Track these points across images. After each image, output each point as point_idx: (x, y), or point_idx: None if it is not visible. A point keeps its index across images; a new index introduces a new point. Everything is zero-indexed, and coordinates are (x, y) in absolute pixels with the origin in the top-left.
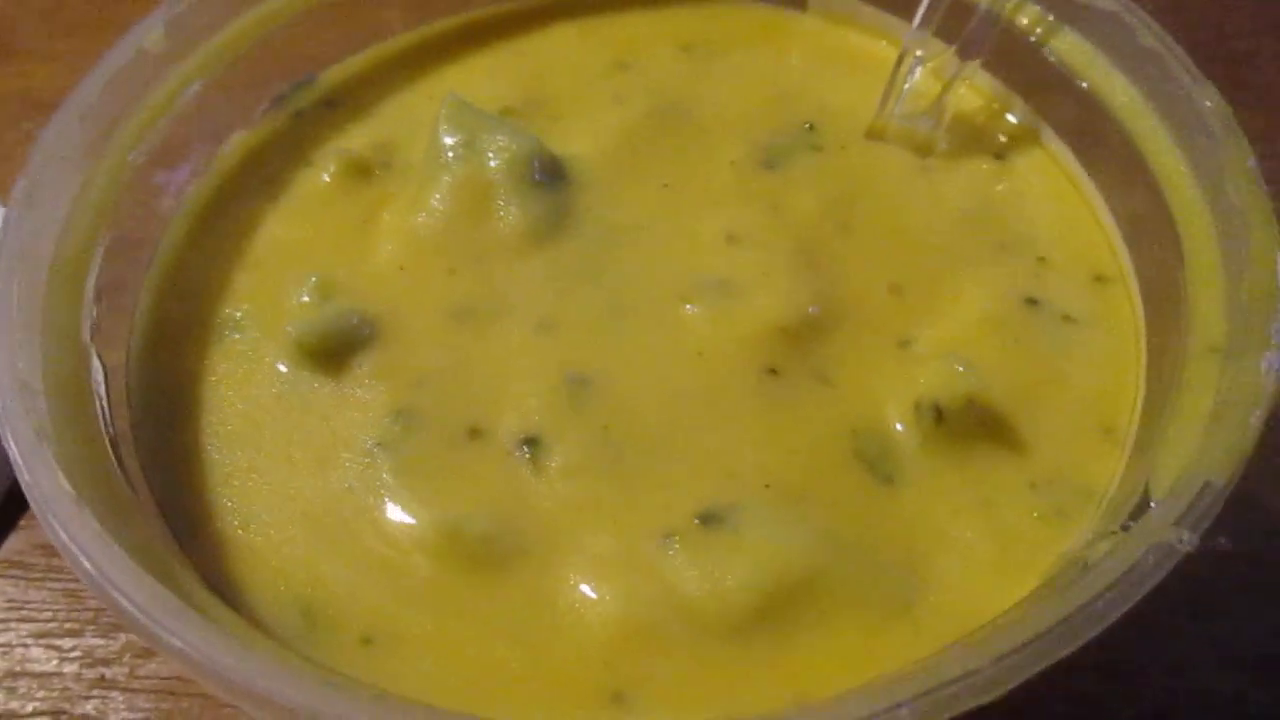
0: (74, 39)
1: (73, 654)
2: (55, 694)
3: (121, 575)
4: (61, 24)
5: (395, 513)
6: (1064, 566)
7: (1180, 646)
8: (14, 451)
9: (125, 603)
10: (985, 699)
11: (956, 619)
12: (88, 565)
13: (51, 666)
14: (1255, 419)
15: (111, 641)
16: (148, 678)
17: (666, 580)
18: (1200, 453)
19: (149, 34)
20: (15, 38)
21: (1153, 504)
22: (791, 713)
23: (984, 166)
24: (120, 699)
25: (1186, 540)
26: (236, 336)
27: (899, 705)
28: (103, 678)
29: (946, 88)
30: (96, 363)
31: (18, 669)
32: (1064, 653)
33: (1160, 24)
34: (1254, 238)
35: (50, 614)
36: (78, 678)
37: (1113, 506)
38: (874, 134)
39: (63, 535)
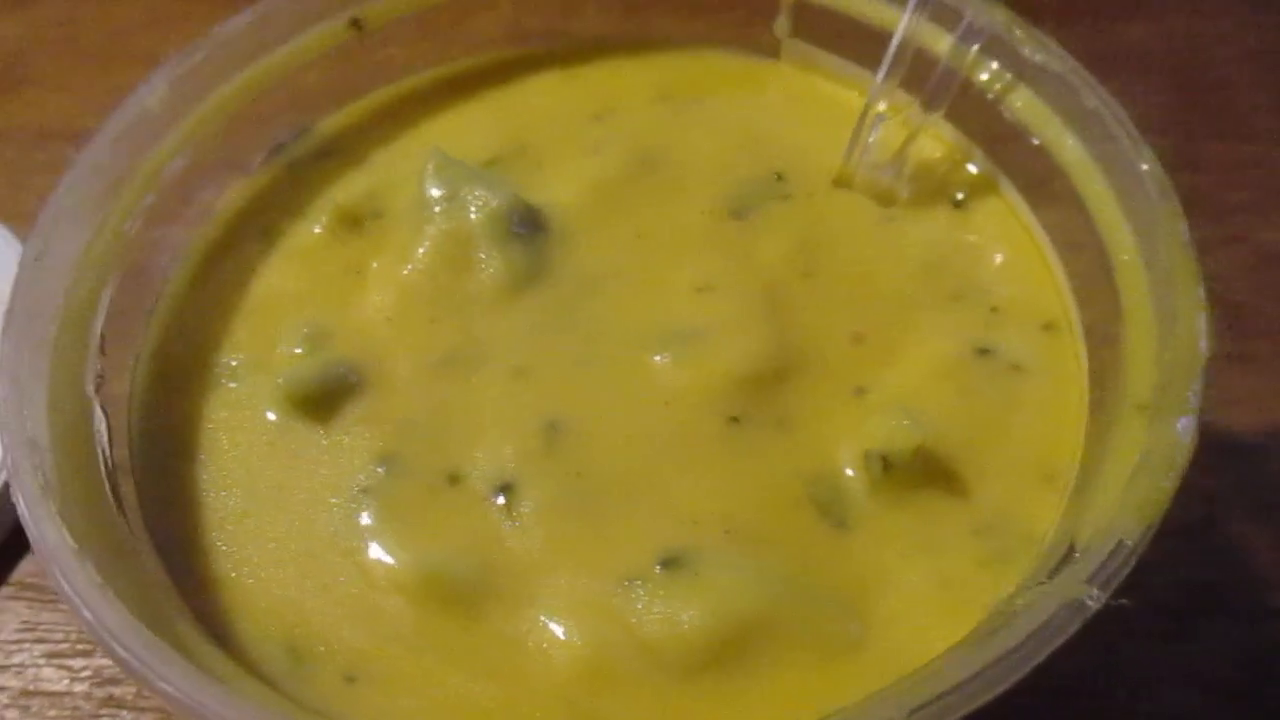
0: (86, 70)
1: (83, 674)
2: (66, 713)
3: (116, 624)
4: (74, 55)
5: (377, 555)
6: (992, 615)
7: (1145, 669)
8: (22, 508)
9: (120, 650)
10: None
11: (902, 659)
12: (87, 615)
13: (63, 686)
14: (1168, 481)
15: None
16: (153, 697)
17: (628, 622)
18: (1117, 511)
19: (152, 94)
20: (28, 69)
21: (1074, 558)
22: None
23: (944, 216)
24: (129, 717)
25: (1096, 597)
26: (233, 385)
27: None
28: (111, 697)
29: (910, 139)
30: (99, 412)
31: (31, 688)
32: (976, 705)
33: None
34: (1179, 300)
35: (62, 635)
36: (88, 696)
37: (1046, 555)
38: (841, 182)
39: (65, 586)
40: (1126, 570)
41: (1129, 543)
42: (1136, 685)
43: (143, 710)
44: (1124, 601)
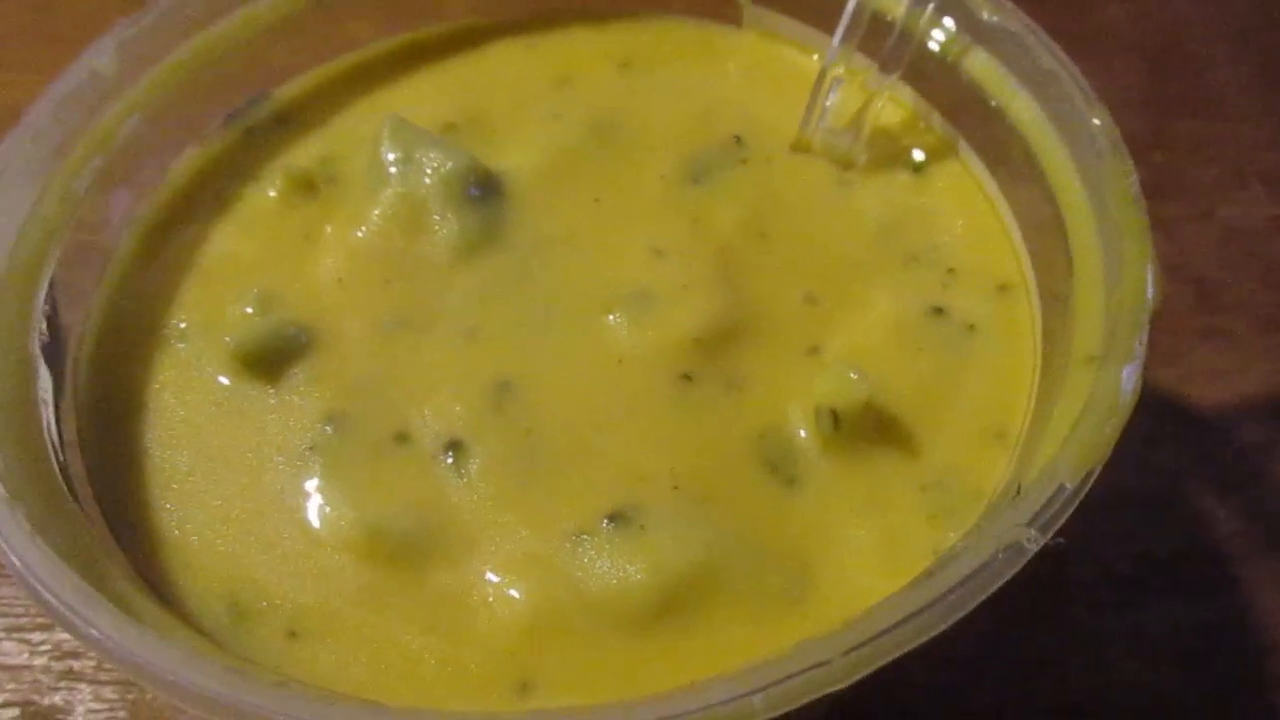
0: (56, 50)
1: (42, 647)
2: (25, 686)
3: (44, 569)
4: (44, 35)
5: (323, 513)
6: (936, 564)
7: (1099, 643)
8: None
9: (47, 595)
10: (836, 686)
11: (844, 612)
12: (15, 560)
13: (22, 659)
14: (1110, 427)
15: None
16: (113, 669)
17: (574, 577)
18: (1057, 457)
19: (100, 56)
20: (2, 51)
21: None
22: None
23: (902, 179)
24: (87, 690)
25: (1034, 538)
26: (181, 345)
27: (754, 692)
28: (71, 670)
29: (867, 102)
30: (44, 373)
31: None
32: (912, 645)
33: (1118, 30)
34: (1127, 251)
35: (22, 608)
36: (46, 670)
37: (991, 507)
38: (799, 147)
39: None
40: (1066, 514)
41: (1069, 486)
42: (1096, 655)
43: (103, 684)
44: (1061, 540)
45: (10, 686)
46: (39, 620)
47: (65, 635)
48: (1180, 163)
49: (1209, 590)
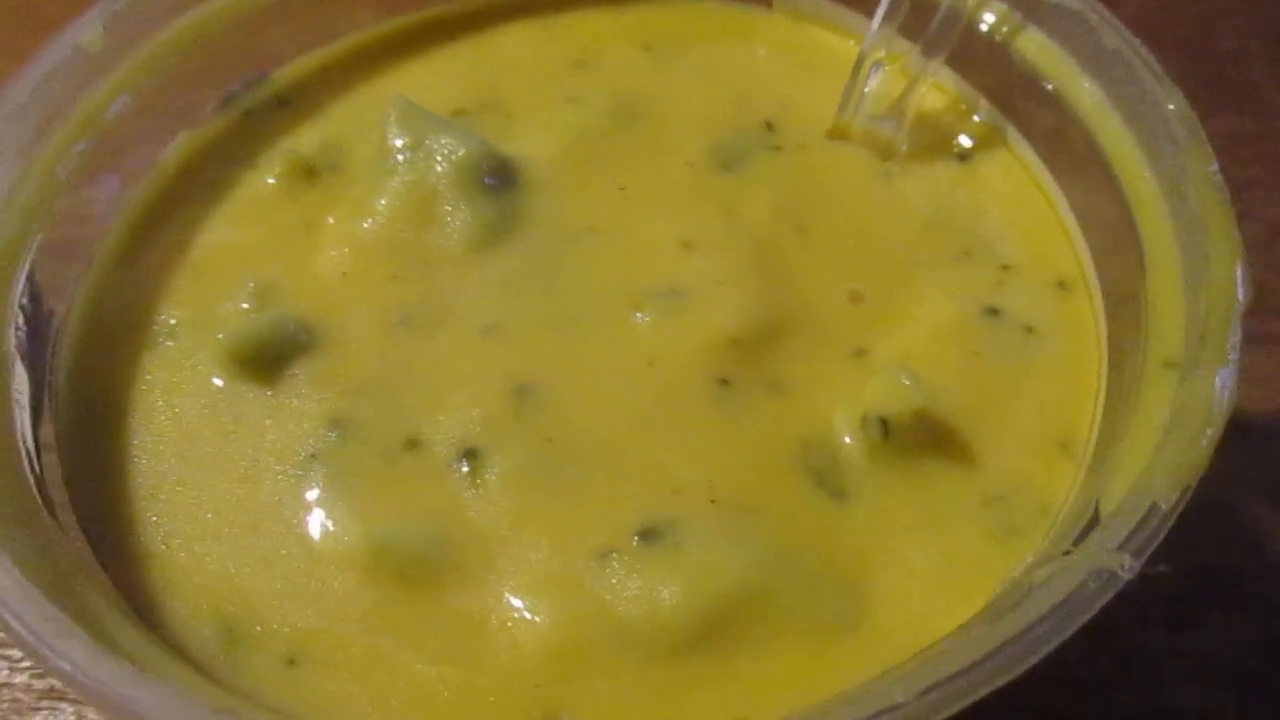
0: (46, 36)
1: (22, 664)
2: (5, 705)
3: (10, 590)
4: (34, 21)
5: (325, 527)
6: (1008, 589)
7: (1154, 661)
8: None
9: (13, 621)
10: None
11: (903, 641)
12: None
13: (2, 677)
14: (1206, 439)
15: None
16: None
17: (602, 599)
18: (1147, 473)
19: (85, 32)
20: None
21: (1098, 526)
22: None
23: (948, 169)
24: (70, 711)
25: (1129, 566)
26: (170, 343)
27: None
28: (52, 688)
29: (909, 87)
30: (20, 372)
31: None
32: (999, 682)
33: (1147, 24)
34: (1213, 248)
35: None
36: (28, 688)
37: (1064, 526)
38: (836, 134)
39: None
40: (1161, 536)
41: (1163, 506)
42: (1147, 675)
43: (84, 703)
44: (1162, 568)
45: None
46: None
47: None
48: (1220, 161)
49: (1267, 607)
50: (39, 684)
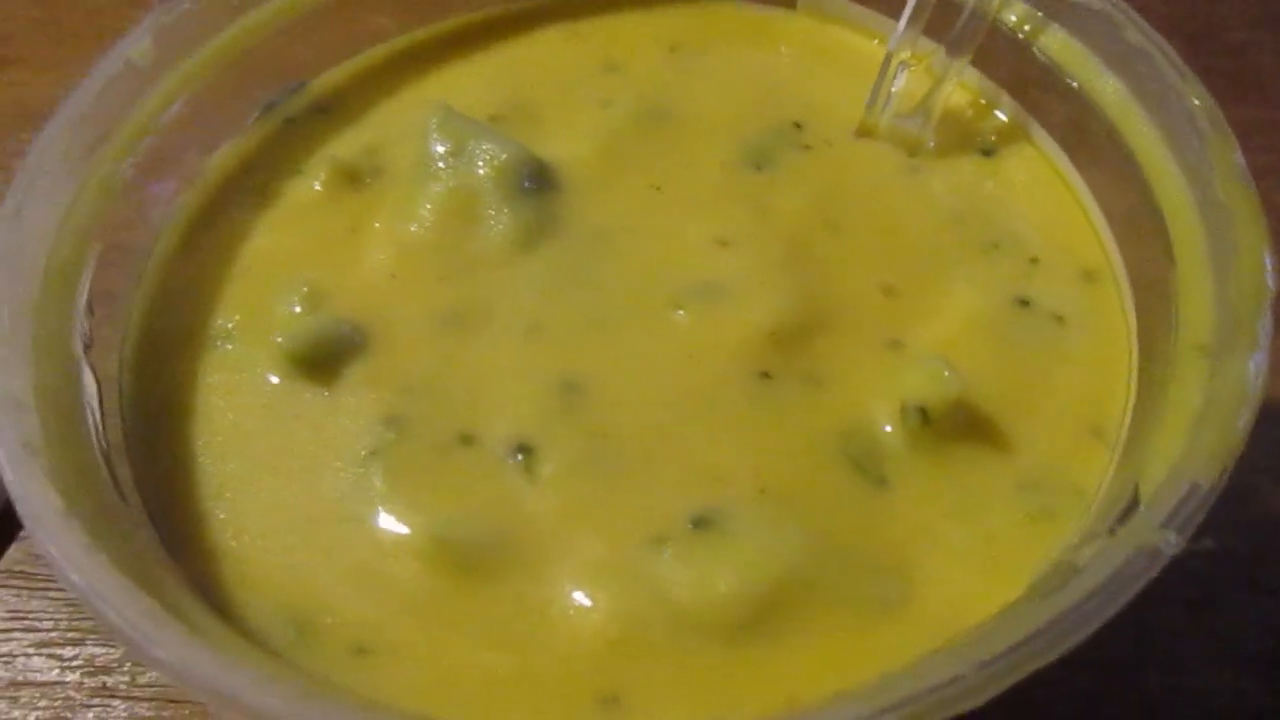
0: (68, 48)
1: (74, 663)
2: (58, 703)
3: (109, 588)
4: (56, 33)
5: (387, 521)
6: (1051, 569)
7: (1179, 643)
8: (4, 467)
9: (113, 615)
10: (971, 704)
11: (947, 620)
12: (76, 578)
13: (53, 675)
14: (1242, 421)
15: (112, 650)
16: (148, 685)
17: (658, 585)
18: (1187, 454)
19: (136, 45)
20: (10, 47)
21: (1140, 506)
22: (778, 717)
23: (974, 164)
24: (121, 707)
25: (1173, 543)
26: (228, 346)
27: (884, 711)
28: (104, 686)
29: (935, 85)
30: (89, 375)
31: (20, 678)
32: (1050, 658)
33: (1156, 15)
34: (1241, 236)
35: (51, 623)
36: (79, 686)
37: (1101, 508)
38: (863, 132)
39: (52, 549)
40: (1202, 514)
41: (1204, 485)
42: (1170, 657)
43: (137, 700)
44: (1208, 543)
45: (42, 704)
46: (70, 635)
47: (98, 650)
48: None
49: None
50: (90, 681)
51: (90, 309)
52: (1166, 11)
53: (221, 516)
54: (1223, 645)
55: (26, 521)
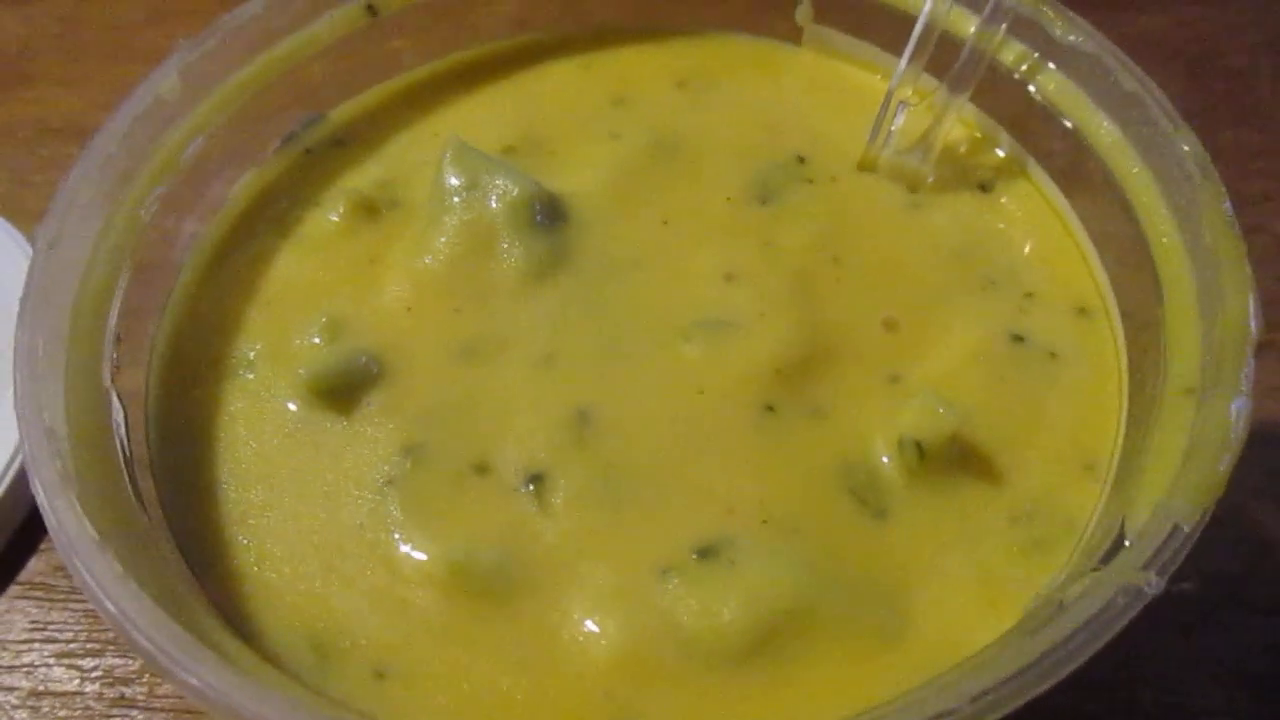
0: (88, 64)
1: (94, 674)
2: (77, 713)
3: (141, 615)
4: (75, 50)
5: (405, 548)
6: (1040, 604)
7: (1171, 663)
8: (40, 496)
9: (144, 642)
10: None
11: (944, 650)
12: (110, 606)
13: (73, 686)
14: (1224, 464)
15: (131, 661)
16: (166, 696)
17: (665, 613)
18: (1169, 496)
19: (164, 81)
20: (31, 64)
21: (1125, 545)
22: None
23: (972, 200)
24: (140, 717)
25: (1154, 584)
26: (250, 376)
27: None
28: (123, 696)
29: (935, 122)
30: (116, 403)
31: (41, 688)
32: (1037, 691)
33: (1157, 40)
34: (1226, 281)
35: (72, 634)
36: (99, 697)
37: (1091, 543)
38: (864, 166)
39: (87, 577)
40: (1183, 555)
41: (1185, 527)
42: (1160, 677)
43: (155, 710)
44: (1185, 585)
45: (62, 714)
46: (89, 646)
47: (117, 661)
48: (1228, 176)
49: (1277, 610)
50: (110, 692)
51: (118, 339)
52: (1168, 36)
53: (244, 542)
54: (1216, 665)
55: (61, 550)
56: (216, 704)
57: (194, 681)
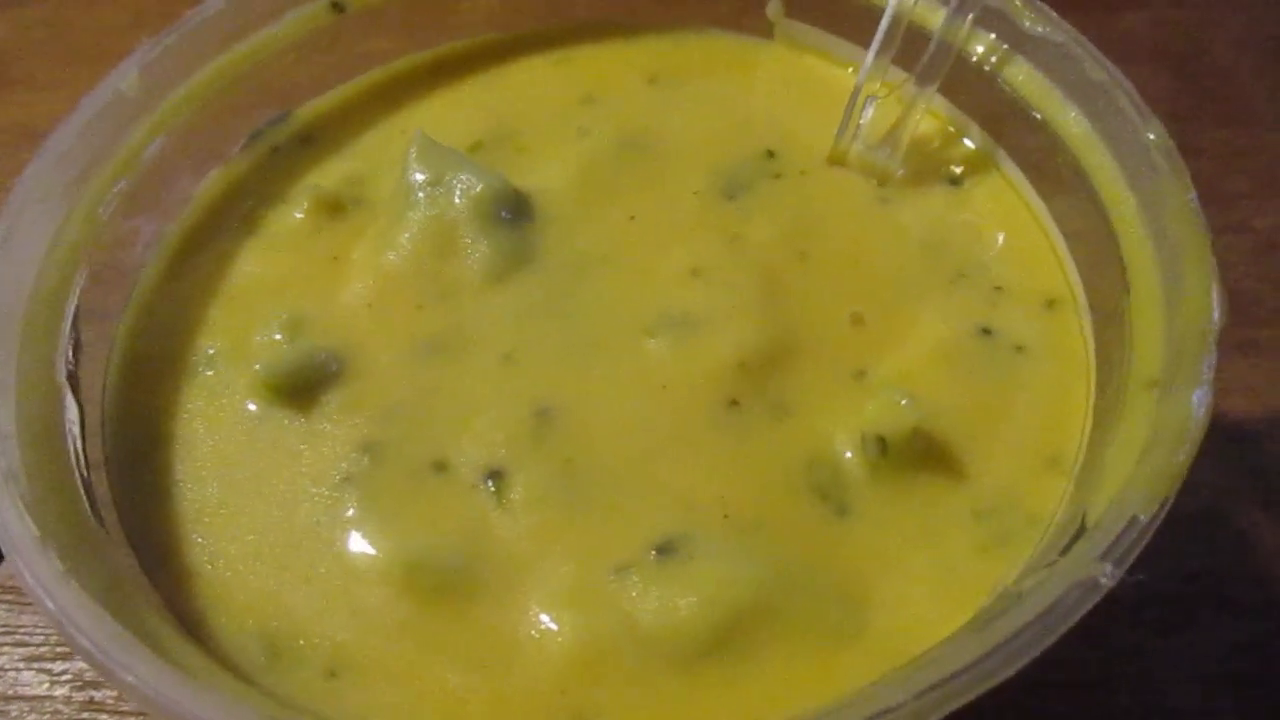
0: (72, 68)
1: (63, 677)
2: (46, 716)
3: (80, 613)
4: (60, 54)
5: (361, 546)
6: (997, 598)
7: (1147, 663)
8: None
9: (83, 640)
10: None
11: (903, 646)
12: (49, 604)
13: (43, 689)
14: (1183, 454)
15: None
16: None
17: (623, 610)
18: (1127, 487)
19: (124, 78)
20: (14, 68)
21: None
22: None
23: (942, 194)
24: None
25: (1110, 574)
26: (209, 373)
27: None
28: (92, 700)
29: (904, 115)
30: (71, 401)
31: (10, 692)
32: (987, 686)
33: (1141, 38)
34: (1189, 273)
35: (42, 638)
36: (68, 700)
37: (1054, 536)
38: (834, 161)
39: (27, 575)
40: (1140, 547)
41: (1143, 518)
42: (1142, 676)
43: (124, 714)
44: (1140, 578)
45: (31, 717)
46: (60, 650)
47: (86, 665)
48: (1210, 174)
49: (1257, 609)
50: (79, 696)
51: (75, 335)
52: (1152, 34)
53: (199, 540)
54: (1193, 664)
55: (4, 549)
56: (155, 703)
57: (131, 680)
